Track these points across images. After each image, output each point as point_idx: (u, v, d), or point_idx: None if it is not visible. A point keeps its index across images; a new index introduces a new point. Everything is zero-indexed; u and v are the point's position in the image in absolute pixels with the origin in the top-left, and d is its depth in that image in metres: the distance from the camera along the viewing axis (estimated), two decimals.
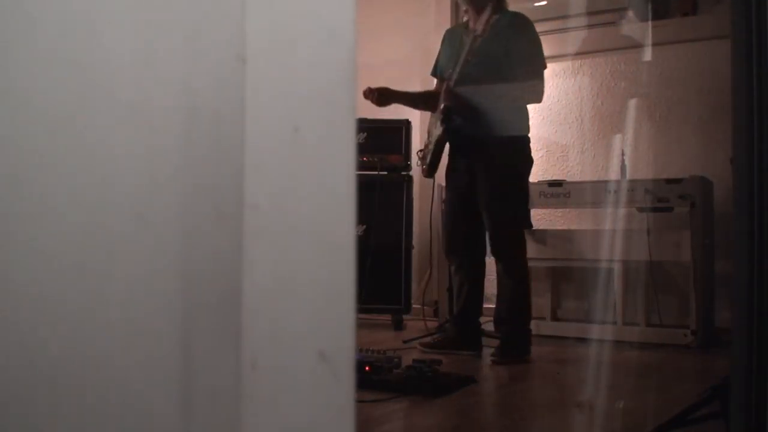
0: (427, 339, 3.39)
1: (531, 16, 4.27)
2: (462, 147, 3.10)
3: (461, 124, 3.07)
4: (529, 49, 3.04)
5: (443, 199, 3.38)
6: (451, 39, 3.28)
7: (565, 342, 3.77)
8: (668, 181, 3.62)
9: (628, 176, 3.86)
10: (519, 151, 3.14)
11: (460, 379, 2.74)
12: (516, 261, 3.12)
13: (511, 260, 3.10)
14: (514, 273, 3.10)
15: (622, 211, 3.76)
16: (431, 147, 3.18)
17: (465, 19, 3.27)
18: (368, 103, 3.31)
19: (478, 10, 3.09)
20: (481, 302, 3.29)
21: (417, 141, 4.11)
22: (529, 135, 3.17)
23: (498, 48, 2.95)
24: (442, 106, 3.10)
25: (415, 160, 3.56)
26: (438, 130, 3.12)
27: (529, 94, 3.08)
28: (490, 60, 2.99)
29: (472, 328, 3.26)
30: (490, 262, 3.22)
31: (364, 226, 3.96)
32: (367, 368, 2.61)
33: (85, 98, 0.66)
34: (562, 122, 4.43)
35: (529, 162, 3.20)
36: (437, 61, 3.35)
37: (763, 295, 1.23)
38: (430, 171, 3.24)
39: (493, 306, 3.28)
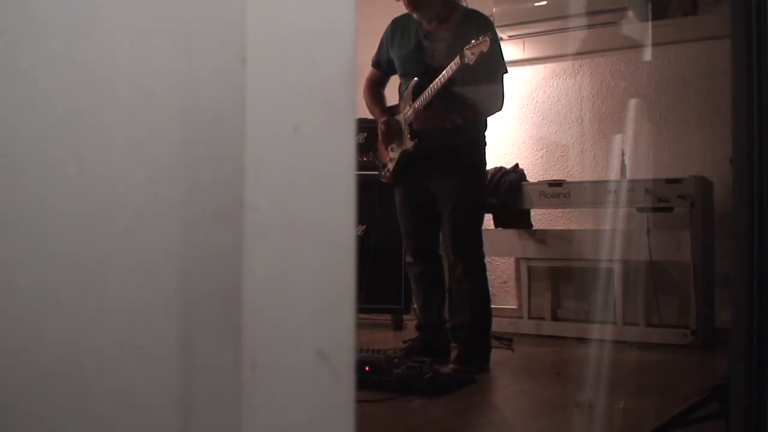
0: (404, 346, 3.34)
1: (531, 16, 4.31)
2: (426, 153, 3.08)
3: (427, 135, 3.06)
4: (495, 60, 3.00)
5: (399, 202, 3.33)
6: (402, 33, 3.18)
7: (565, 342, 3.77)
8: (668, 181, 3.62)
9: (628, 176, 3.86)
10: (480, 154, 3.16)
11: (460, 379, 2.74)
12: (479, 262, 3.11)
13: (474, 261, 3.09)
14: (477, 275, 3.08)
15: (622, 211, 3.76)
16: (396, 158, 3.18)
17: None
18: None
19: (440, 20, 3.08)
20: (444, 307, 3.28)
21: None
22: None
23: (468, 72, 2.87)
24: (410, 120, 3.08)
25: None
26: (408, 145, 3.11)
27: (493, 103, 3.08)
28: (462, 80, 2.94)
29: (440, 334, 3.24)
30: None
31: (364, 226, 3.96)
32: (367, 368, 2.61)
33: (85, 98, 0.66)
34: (562, 122, 4.43)
35: (486, 164, 3.25)
36: (381, 53, 3.27)
37: (763, 295, 1.23)
38: (395, 178, 3.25)
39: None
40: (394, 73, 3.30)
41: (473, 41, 2.77)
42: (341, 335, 0.70)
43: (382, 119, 3.22)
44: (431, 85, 2.95)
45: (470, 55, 2.76)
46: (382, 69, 3.31)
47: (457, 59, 2.81)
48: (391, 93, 3.37)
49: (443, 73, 2.89)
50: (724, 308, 3.66)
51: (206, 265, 0.66)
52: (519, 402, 2.62)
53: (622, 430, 2.20)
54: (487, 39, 2.74)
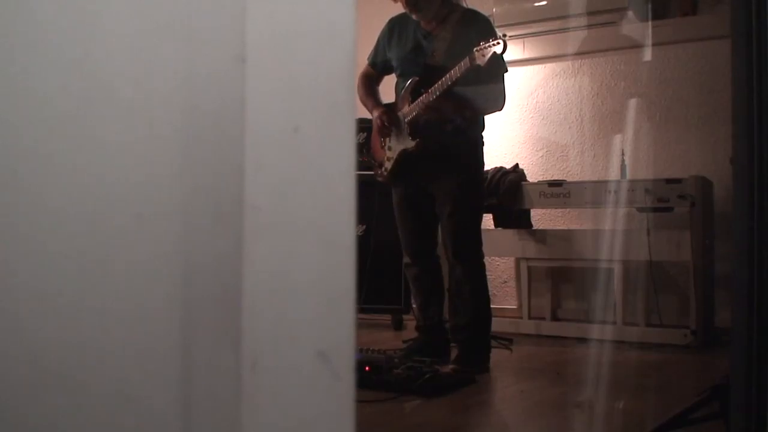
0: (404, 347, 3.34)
1: (531, 16, 4.31)
2: (425, 153, 3.07)
3: (427, 135, 3.05)
4: (501, 61, 2.99)
5: (397, 203, 3.31)
6: (400, 34, 3.17)
7: (565, 342, 3.77)
8: (668, 181, 3.62)
9: (628, 176, 3.86)
10: (478, 154, 3.16)
11: (460, 379, 2.74)
12: (478, 263, 3.10)
13: (474, 262, 3.08)
14: (476, 275, 3.07)
15: (622, 211, 3.76)
16: (395, 156, 3.17)
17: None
18: None
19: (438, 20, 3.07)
20: (443, 307, 3.27)
21: None
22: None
23: (473, 72, 2.86)
24: (410, 118, 3.06)
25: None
26: (408, 144, 3.09)
27: (493, 103, 3.07)
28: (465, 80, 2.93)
29: (440, 334, 3.23)
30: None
31: (364, 226, 3.96)
32: (367, 368, 2.61)
33: (85, 98, 0.66)
34: (562, 122, 4.43)
35: (483, 164, 3.24)
36: (378, 53, 3.25)
37: (763, 295, 1.23)
38: (393, 177, 3.23)
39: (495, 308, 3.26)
40: (389, 73, 3.29)
41: (483, 43, 2.76)
42: (341, 335, 0.70)
43: (379, 111, 3.19)
44: (436, 85, 2.93)
45: (481, 56, 2.75)
46: (377, 69, 3.30)
47: (467, 60, 2.79)
48: (386, 93, 3.36)
49: (451, 72, 2.86)
50: (724, 308, 3.66)
51: (206, 266, 0.66)
52: (519, 402, 2.62)
53: (622, 430, 2.20)
54: (501, 41, 2.74)
